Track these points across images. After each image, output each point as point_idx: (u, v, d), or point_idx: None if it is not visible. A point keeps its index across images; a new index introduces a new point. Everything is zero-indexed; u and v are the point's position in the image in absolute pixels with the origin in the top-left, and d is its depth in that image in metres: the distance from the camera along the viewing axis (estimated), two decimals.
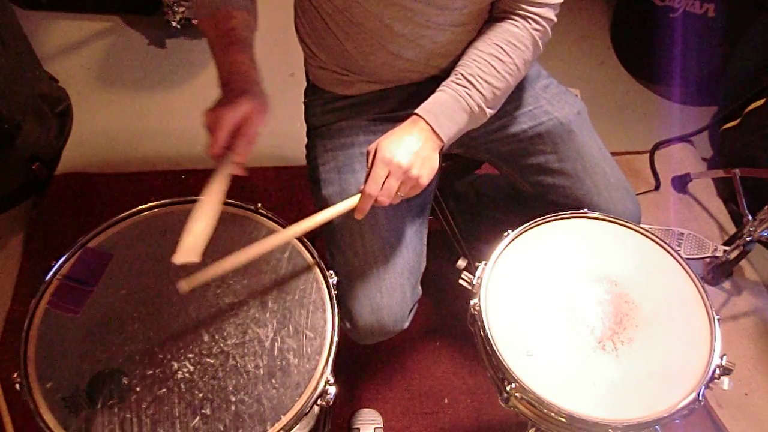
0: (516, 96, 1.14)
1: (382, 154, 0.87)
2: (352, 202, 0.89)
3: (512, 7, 0.97)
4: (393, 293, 1.01)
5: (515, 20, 0.97)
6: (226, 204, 1.00)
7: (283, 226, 0.99)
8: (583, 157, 1.11)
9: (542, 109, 1.13)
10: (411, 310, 1.07)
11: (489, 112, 0.97)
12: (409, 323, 1.07)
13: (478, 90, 0.94)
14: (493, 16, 1.01)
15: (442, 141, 0.92)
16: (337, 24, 1.00)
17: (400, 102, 1.11)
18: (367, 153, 0.90)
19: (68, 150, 1.87)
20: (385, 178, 0.87)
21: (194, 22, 2.15)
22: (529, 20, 0.97)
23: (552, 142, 1.12)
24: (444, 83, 0.96)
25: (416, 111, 0.93)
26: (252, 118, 0.82)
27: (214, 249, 0.95)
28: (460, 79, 0.95)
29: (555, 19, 0.98)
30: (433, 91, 1.09)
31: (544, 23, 0.97)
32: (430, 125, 0.91)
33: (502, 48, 0.96)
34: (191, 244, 0.78)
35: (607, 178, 1.11)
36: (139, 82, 2.10)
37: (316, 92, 1.16)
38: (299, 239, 0.97)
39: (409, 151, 0.88)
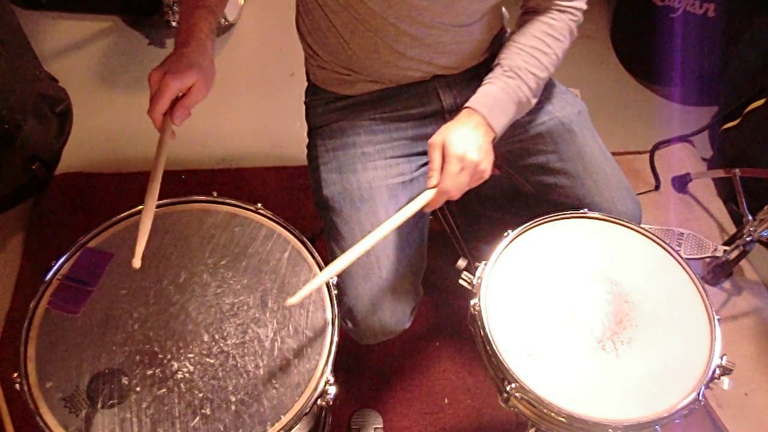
0: None
1: (455, 151, 0.88)
2: (424, 199, 0.91)
3: (547, 5, 1.01)
4: (395, 293, 1.01)
5: (552, 13, 1.01)
6: (226, 204, 1.00)
7: (283, 226, 0.99)
8: (584, 157, 1.11)
9: (543, 109, 1.13)
10: (413, 310, 1.07)
11: (533, 102, 1.01)
12: (411, 323, 1.07)
13: (525, 82, 0.97)
14: (528, 11, 1.04)
15: (495, 133, 0.95)
16: (341, 21, 1.00)
17: (401, 101, 1.11)
18: (431, 147, 0.91)
19: (68, 150, 1.87)
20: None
21: None
22: (565, 12, 1.01)
23: (553, 141, 1.12)
24: (491, 76, 0.99)
25: (470, 105, 0.95)
26: (194, 91, 0.86)
27: (214, 249, 0.95)
28: (507, 71, 0.98)
29: (586, 6, 1.03)
30: (435, 91, 1.10)
31: (578, 13, 1.02)
32: (485, 118, 0.94)
33: (543, 41, 1.00)
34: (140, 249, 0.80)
35: (607, 177, 1.11)
36: (139, 82, 2.10)
37: (316, 92, 1.16)
38: (299, 239, 0.97)
39: (477, 146, 0.91)
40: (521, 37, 1.01)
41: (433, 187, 0.90)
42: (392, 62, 1.04)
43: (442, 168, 0.90)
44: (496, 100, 0.96)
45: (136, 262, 0.79)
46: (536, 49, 0.99)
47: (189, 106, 0.86)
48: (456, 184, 0.89)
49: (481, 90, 0.97)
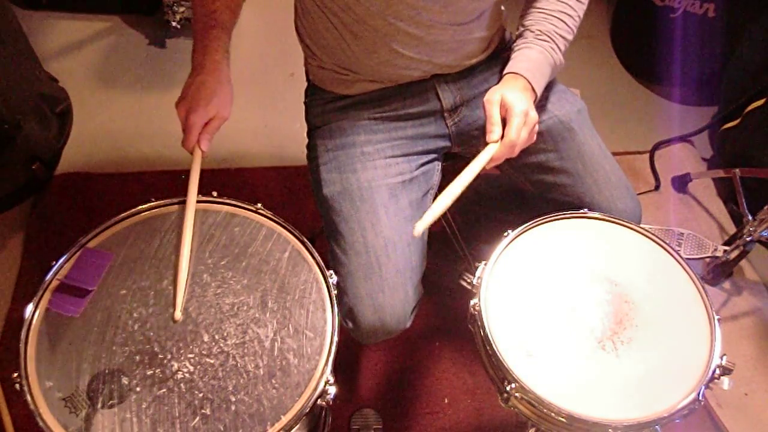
0: None
1: (519, 106, 0.93)
2: (489, 153, 0.94)
3: None
4: (395, 292, 1.01)
5: None
6: (226, 204, 1.00)
7: (283, 226, 0.99)
8: (584, 156, 1.11)
9: (543, 108, 1.13)
10: (413, 309, 1.07)
11: (563, 63, 1.06)
12: (411, 322, 1.07)
13: (557, 45, 1.03)
14: None
15: (536, 95, 1.00)
16: (341, 21, 1.00)
17: (400, 101, 1.11)
18: (488, 103, 0.95)
19: (68, 150, 1.87)
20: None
21: None
22: None
23: (553, 140, 1.12)
24: (525, 41, 1.03)
25: (514, 70, 0.99)
26: (217, 118, 0.94)
27: (214, 249, 0.95)
28: (540, 35, 1.02)
29: None
30: (434, 90, 1.10)
31: None
32: (529, 82, 0.98)
33: (567, 4, 1.04)
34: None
35: (607, 176, 1.11)
36: (139, 82, 2.10)
37: (316, 92, 1.16)
38: (299, 239, 0.97)
39: (532, 106, 0.96)
40: (544, 3, 1.04)
41: (495, 142, 0.94)
42: (391, 61, 1.04)
43: (504, 123, 0.94)
44: (535, 63, 1.00)
45: (177, 315, 0.85)
46: (562, 13, 1.03)
47: (212, 133, 0.95)
48: (520, 138, 0.93)
49: (519, 54, 1.01)
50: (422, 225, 0.87)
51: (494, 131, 0.95)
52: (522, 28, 1.05)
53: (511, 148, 0.94)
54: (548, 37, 1.02)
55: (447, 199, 0.90)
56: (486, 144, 0.96)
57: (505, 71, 1.02)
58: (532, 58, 1.01)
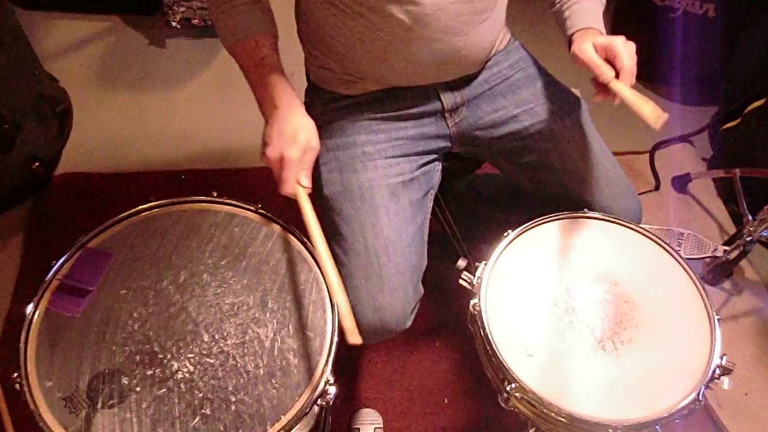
0: (517, 94, 1.14)
1: (613, 39, 0.95)
2: (623, 88, 0.93)
3: None
4: (395, 292, 1.01)
5: None
6: (225, 204, 1.00)
7: (284, 227, 0.99)
8: (584, 154, 1.11)
9: (544, 107, 1.13)
10: (413, 309, 1.07)
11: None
12: (411, 322, 1.07)
13: None
14: None
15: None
16: (350, 28, 0.99)
17: (401, 101, 1.11)
18: (582, 53, 0.96)
19: (68, 150, 1.87)
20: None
21: (194, 22, 2.15)
22: None
23: (553, 139, 1.12)
24: None
25: (588, 25, 1.02)
26: (310, 150, 0.93)
27: (214, 249, 0.95)
28: None
29: None
30: (435, 91, 1.10)
31: None
32: (598, 30, 1.02)
33: None
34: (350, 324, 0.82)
35: (608, 175, 1.11)
36: (139, 82, 2.10)
37: (316, 92, 1.16)
38: (300, 240, 0.97)
39: None
40: None
41: (611, 79, 0.94)
42: (400, 68, 1.04)
43: (614, 59, 0.94)
44: (595, 12, 1.04)
45: (356, 339, 0.81)
46: None
47: (310, 167, 0.93)
48: (633, 59, 0.94)
49: (580, 8, 1.04)
50: None
51: (605, 71, 0.94)
52: None
53: (633, 74, 0.94)
54: None
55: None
56: (605, 85, 0.95)
57: (569, 31, 1.03)
58: (592, 8, 1.04)
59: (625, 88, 0.92)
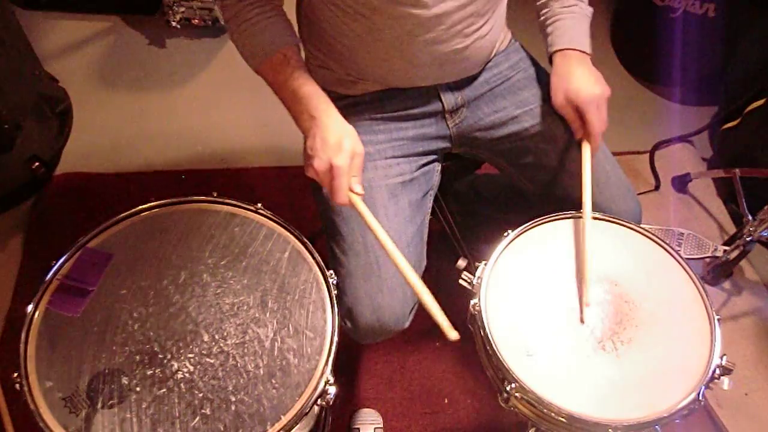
0: (517, 95, 1.14)
1: (588, 96, 1.00)
2: (588, 152, 1.03)
3: None
4: (394, 292, 1.01)
5: None
6: (225, 204, 1.00)
7: (283, 226, 0.99)
8: None
9: (543, 107, 1.13)
10: (412, 309, 1.07)
11: (591, 9, 1.11)
12: (410, 322, 1.07)
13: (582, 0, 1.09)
14: None
15: (589, 54, 1.07)
16: (353, 30, 0.99)
17: (402, 102, 1.10)
18: (559, 109, 1.03)
19: (68, 150, 1.87)
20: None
21: (194, 22, 2.15)
22: None
23: (553, 139, 1.12)
24: (555, 13, 1.07)
25: (562, 47, 1.04)
26: (356, 155, 0.91)
27: (214, 249, 0.95)
28: (565, 1, 1.07)
29: None
30: (436, 92, 1.10)
31: None
32: (577, 49, 1.04)
33: None
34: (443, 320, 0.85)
35: (608, 176, 1.11)
36: (139, 82, 2.10)
37: None
38: (300, 240, 0.97)
39: (593, 79, 1.03)
40: None
41: (581, 138, 1.03)
42: (402, 70, 1.04)
43: (583, 119, 1.01)
44: (577, 29, 1.05)
45: (453, 335, 0.83)
46: None
47: (359, 172, 0.92)
48: (601, 120, 1.01)
49: (558, 27, 1.05)
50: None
51: (578, 130, 1.04)
52: None
53: (598, 135, 1.02)
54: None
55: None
56: (579, 142, 1.05)
57: (550, 49, 1.05)
58: (572, 27, 1.05)
59: (587, 166, 1.01)
